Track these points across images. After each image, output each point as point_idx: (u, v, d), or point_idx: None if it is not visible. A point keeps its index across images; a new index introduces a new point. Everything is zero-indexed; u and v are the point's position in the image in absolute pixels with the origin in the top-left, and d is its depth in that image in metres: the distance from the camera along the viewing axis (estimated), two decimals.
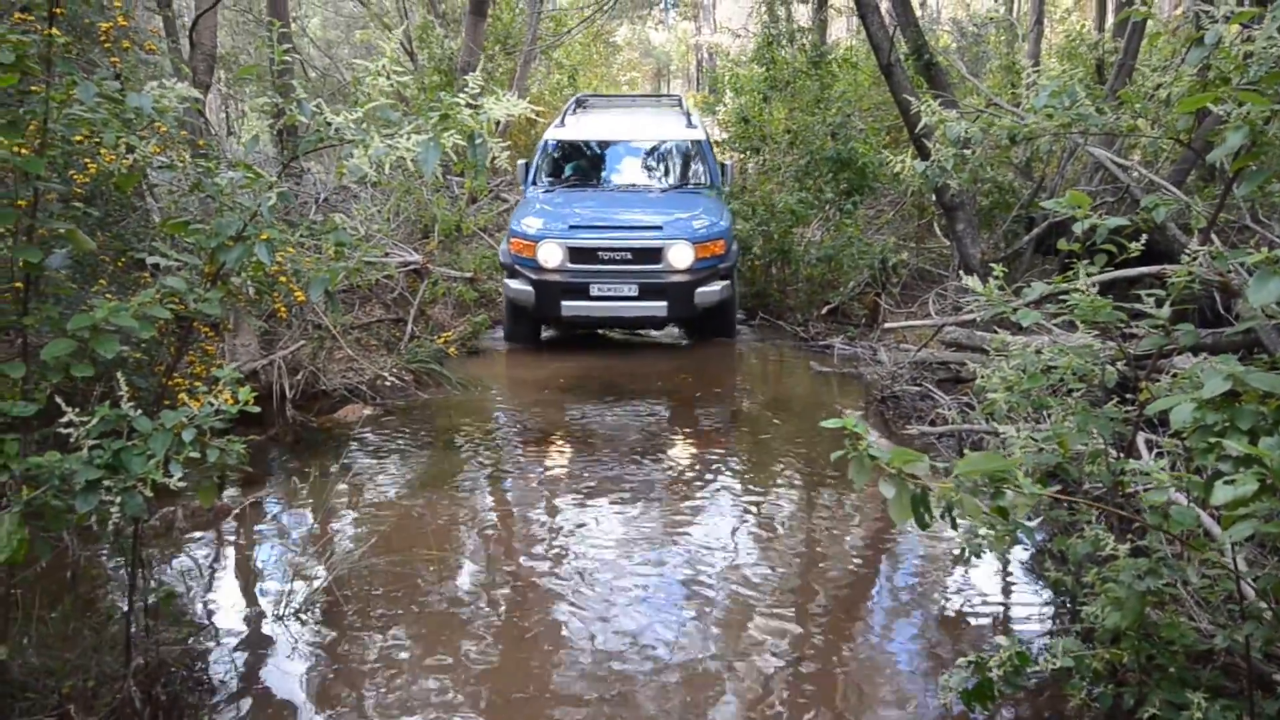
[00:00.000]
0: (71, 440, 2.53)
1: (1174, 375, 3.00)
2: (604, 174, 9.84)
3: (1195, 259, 2.89)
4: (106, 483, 2.52)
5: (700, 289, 8.23)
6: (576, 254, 8.24)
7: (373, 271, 8.42)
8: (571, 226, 8.40)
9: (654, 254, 8.22)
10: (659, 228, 8.39)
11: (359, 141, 2.88)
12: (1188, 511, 2.36)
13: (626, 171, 9.85)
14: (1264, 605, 2.51)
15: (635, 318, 8.59)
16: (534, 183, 9.54)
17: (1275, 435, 2.11)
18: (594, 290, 8.14)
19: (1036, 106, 3.72)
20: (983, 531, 2.67)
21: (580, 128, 10.12)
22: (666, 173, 9.91)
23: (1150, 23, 6.16)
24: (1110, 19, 10.45)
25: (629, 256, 8.23)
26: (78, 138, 3.48)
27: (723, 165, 9.75)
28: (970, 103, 8.25)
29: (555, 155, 9.86)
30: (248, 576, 4.57)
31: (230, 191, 3.09)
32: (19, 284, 3.02)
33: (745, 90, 11.69)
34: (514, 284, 8.38)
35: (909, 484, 2.27)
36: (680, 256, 8.17)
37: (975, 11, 14.81)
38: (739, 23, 16.78)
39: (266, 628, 3.99)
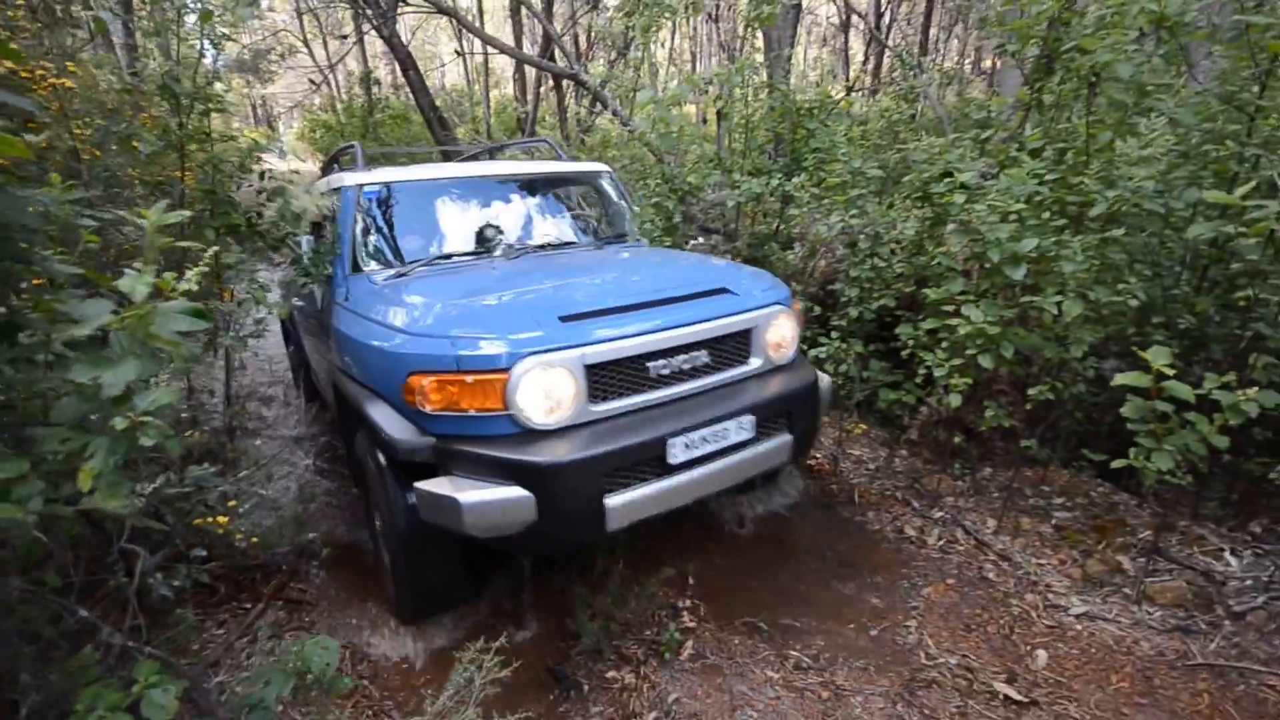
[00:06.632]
0: None
1: None
2: (489, 234, 3.72)
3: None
4: None
5: (822, 387, 3.21)
6: (601, 376, 2.55)
7: None
8: (564, 318, 2.54)
9: (740, 344, 2.93)
10: (724, 290, 2.95)
11: None
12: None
13: (521, 226, 3.89)
14: None
15: (750, 478, 2.88)
16: (360, 267, 3.44)
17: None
18: (676, 452, 2.53)
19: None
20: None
21: (413, 170, 3.90)
22: (577, 220, 4.16)
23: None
24: (528, 93, 15.32)
25: (704, 359, 2.78)
26: None
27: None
28: (460, 134, 12.76)
29: (381, 217, 3.63)
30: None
31: None
32: None
33: (351, 128, 14.07)
34: (472, 499, 2.30)
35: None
36: (783, 333, 3.08)
37: (455, 87, 19.27)
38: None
39: None
